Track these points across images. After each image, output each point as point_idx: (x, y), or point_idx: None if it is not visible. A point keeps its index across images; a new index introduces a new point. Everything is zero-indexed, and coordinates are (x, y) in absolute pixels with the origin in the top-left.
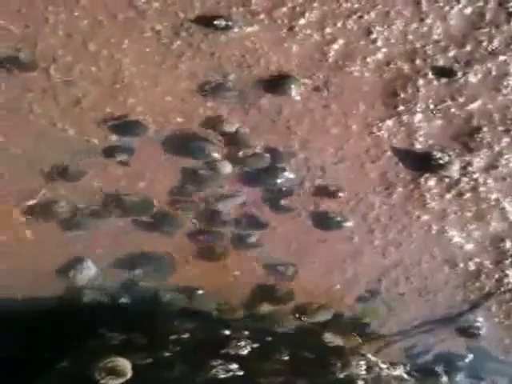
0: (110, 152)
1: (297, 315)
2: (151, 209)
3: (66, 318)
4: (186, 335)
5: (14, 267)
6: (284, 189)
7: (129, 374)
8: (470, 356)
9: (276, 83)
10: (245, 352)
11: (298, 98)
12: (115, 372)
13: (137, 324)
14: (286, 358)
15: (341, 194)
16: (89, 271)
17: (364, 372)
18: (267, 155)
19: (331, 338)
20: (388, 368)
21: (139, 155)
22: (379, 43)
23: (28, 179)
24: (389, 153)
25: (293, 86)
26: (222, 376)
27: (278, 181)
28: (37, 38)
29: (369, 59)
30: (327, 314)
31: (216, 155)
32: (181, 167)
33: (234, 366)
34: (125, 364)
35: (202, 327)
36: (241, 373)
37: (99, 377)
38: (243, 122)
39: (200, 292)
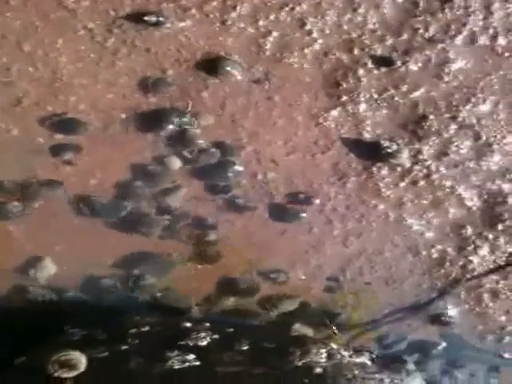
0: (56, 151)
1: (264, 306)
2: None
3: (32, 316)
4: (146, 328)
5: None
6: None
7: (82, 368)
8: (444, 344)
9: (212, 66)
10: (204, 343)
11: (239, 77)
12: (69, 365)
13: (100, 320)
14: (246, 347)
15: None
16: (48, 269)
17: (324, 360)
18: (215, 150)
19: (301, 329)
20: (351, 356)
21: (88, 153)
22: (315, 34)
23: None
24: (338, 143)
25: (229, 68)
26: (178, 367)
27: (229, 174)
28: None
29: (306, 50)
30: (293, 304)
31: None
32: (130, 164)
33: (191, 357)
34: (79, 357)
35: (163, 321)
36: (197, 363)
37: (52, 370)
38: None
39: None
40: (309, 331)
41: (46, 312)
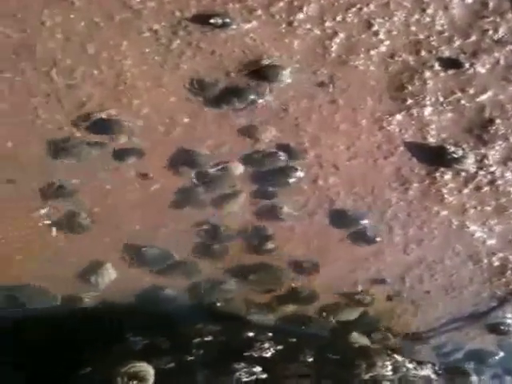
0: (120, 155)
1: (323, 314)
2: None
3: (90, 322)
4: (209, 338)
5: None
6: None
7: (151, 380)
8: (501, 353)
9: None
10: (268, 354)
11: (289, 80)
12: (137, 377)
13: (161, 327)
14: (311, 359)
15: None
16: (110, 275)
17: (390, 373)
18: (282, 154)
19: (358, 338)
20: (415, 368)
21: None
22: (381, 36)
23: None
24: (402, 148)
25: (284, 72)
26: (246, 379)
27: (290, 180)
28: (35, 42)
29: (372, 52)
30: (354, 313)
31: None
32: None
33: (258, 369)
34: (147, 369)
35: (225, 329)
36: (264, 376)
37: (121, 382)
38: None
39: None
40: (366, 341)
41: (105, 320)
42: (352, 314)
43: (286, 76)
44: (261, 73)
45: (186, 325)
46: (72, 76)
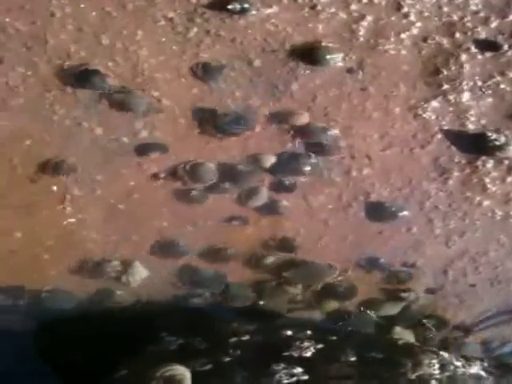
0: (142, 150)
1: (362, 309)
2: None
3: (122, 321)
4: (246, 337)
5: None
6: None
7: (188, 383)
8: None
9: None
10: (308, 354)
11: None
12: (174, 381)
13: (195, 327)
14: (353, 359)
15: None
16: (140, 274)
17: (437, 371)
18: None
19: (401, 333)
20: (463, 365)
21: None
22: (412, 18)
23: None
24: (439, 136)
25: (328, 57)
26: (286, 381)
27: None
28: (46, 34)
29: (403, 35)
30: (395, 308)
31: None
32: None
33: (299, 370)
34: (183, 372)
35: (262, 328)
36: (306, 377)
37: None
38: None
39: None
40: (411, 337)
41: (138, 319)
42: (394, 309)
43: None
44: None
45: (221, 323)
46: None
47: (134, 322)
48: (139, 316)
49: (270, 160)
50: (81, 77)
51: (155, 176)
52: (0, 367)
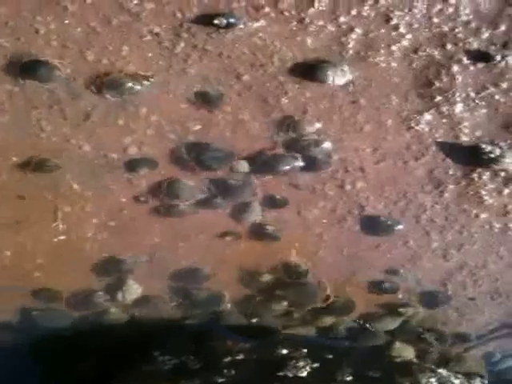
0: (131, 166)
1: (361, 322)
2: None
3: (117, 342)
4: (241, 356)
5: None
6: None
7: None
8: None
9: (311, 69)
10: (304, 373)
11: (339, 83)
12: None
13: (188, 345)
14: (349, 378)
15: None
16: (134, 291)
17: None
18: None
19: (402, 349)
20: (462, 383)
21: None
22: (402, 29)
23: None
24: (433, 148)
25: (329, 72)
26: None
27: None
28: (30, 50)
29: (394, 47)
30: (394, 322)
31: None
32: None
33: None
34: None
35: (256, 346)
36: None
37: None
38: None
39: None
40: (410, 352)
41: (131, 337)
42: (392, 324)
43: None
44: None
45: (216, 342)
46: (73, 86)
47: (128, 340)
48: (132, 334)
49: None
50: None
51: (136, 198)
52: None
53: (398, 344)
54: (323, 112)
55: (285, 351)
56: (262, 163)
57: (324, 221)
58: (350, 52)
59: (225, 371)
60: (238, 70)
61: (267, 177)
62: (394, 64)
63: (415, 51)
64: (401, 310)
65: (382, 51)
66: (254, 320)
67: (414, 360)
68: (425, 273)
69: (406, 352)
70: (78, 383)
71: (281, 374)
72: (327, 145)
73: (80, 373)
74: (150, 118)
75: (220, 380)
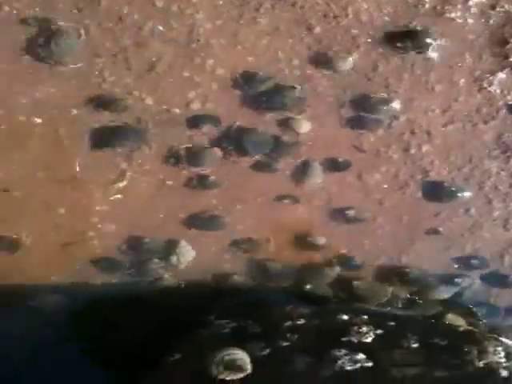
0: (194, 122)
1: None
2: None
3: (168, 304)
4: (301, 321)
5: None
6: None
7: (249, 369)
8: None
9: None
10: (369, 340)
11: (435, 54)
12: (234, 366)
13: (244, 310)
14: (416, 345)
15: None
16: (189, 253)
17: (504, 359)
18: None
19: (454, 320)
20: None
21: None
22: None
23: None
24: (504, 111)
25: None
26: (350, 368)
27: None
28: None
29: (471, 3)
30: (447, 292)
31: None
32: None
33: (362, 357)
34: (243, 357)
35: (315, 312)
36: (369, 364)
37: (216, 371)
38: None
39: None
40: (462, 323)
41: (185, 302)
42: (444, 294)
43: None
44: None
45: (273, 307)
46: (139, 33)
47: (181, 306)
48: (185, 299)
49: None
50: None
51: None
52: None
53: (450, 316)
54: (394, 69)
55: (345, 317)
56: None
57: (385, 186)
58: (426, 6)
59: (288, 335)
60: (310, 20)
61: None
62: (470, 20)
63: (493, 7)
64: (456, 280)
65: (459, 6)
66: (308, 286)
67: (476, 330)
68: (483, 243)
69: (458, 322)
70: (133, 351)
71: (345, 339)
72: (396, 104)
73: (134, 341)
74: (216, 71)
75: (285, 344)
